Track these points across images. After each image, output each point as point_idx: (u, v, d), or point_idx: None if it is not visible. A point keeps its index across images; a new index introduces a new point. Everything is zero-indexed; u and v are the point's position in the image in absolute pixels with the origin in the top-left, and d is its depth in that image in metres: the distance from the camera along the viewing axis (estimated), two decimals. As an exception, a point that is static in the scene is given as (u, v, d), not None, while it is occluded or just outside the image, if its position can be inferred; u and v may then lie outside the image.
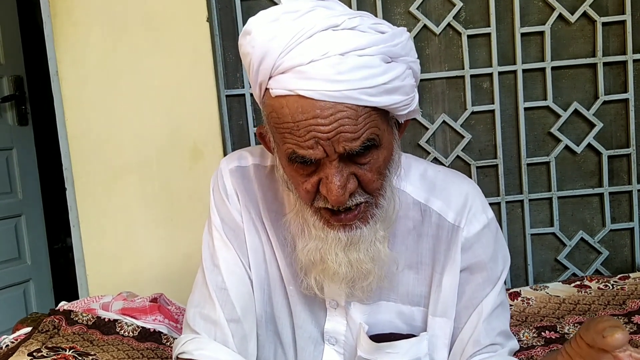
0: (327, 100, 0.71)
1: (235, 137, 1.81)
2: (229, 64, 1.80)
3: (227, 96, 1.80)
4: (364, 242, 0.81)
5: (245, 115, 1.81)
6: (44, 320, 1.33)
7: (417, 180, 0.94)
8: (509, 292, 1.66)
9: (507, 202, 1.86)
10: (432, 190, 0.92)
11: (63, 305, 1.47)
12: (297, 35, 0.72)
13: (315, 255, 0.83)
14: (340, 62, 0.72)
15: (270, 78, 0.76)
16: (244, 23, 0.80)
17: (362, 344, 0.89)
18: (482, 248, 0.90)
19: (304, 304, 0.94)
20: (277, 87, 0.75)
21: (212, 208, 0.96)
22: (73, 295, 1.80)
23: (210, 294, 0.90)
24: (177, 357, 0.90)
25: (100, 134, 1.73)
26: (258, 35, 0.75)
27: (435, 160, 1.84)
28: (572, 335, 0.64)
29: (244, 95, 1.80)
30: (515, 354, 0.96)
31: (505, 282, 0.95)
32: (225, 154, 1.76)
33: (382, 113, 0.77)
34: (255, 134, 1.80)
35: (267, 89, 0.77)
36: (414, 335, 0.89)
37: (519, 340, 1.42)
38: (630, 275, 1.68)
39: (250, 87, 1.76)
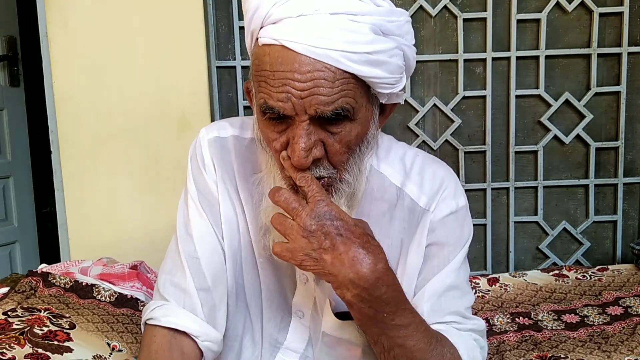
0: (308, 55, 0.72)
1: (224, 108, 1.80)
2: (221, 34, 1.78)
3: (217, 67, 1.78)
4: None
5: (235, 88, 1.80)
6: (21, 281, 1.34)
7: (395, 163, 0.94)
8: (488, 277, 1.67)
9: (493, 189, 1.86)
10: (408, 175, 0.92)
11: (42, 267, 1.47)
12: None
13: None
14: (328, 21, 0.72)
15: (261, 28, 0.76)
16: (238, -6, 0.81)
17: (326, 320, 0.90)
18: (444, 232, 0.90)
19: (274, 275, 0.94)
20: (265, 36, 0.75)
21: (189, 177, 0.96)
22: (58, 260, 1.80)
23: (181, 262, 0.91)
24: (145, 323, 0.90)
25: (87, 98, 1.72)
26: None
27: (424, 144, 1.84)
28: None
29: (235, 67, 1.78)
30: (487, 337, 0.97)
31: (465, 267, 0.94)
32: (213, 126, 1.75)
33: (362, 86, 0.76)
34: (244, 102, 1.80)
35: (257, 39, 0.77)
36: None
37: (492, 325, 1.44)
38: (609, 267, 1.70)
39: (242, 58, 1.76)
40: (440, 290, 0.89)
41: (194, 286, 0.90)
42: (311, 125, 0.75)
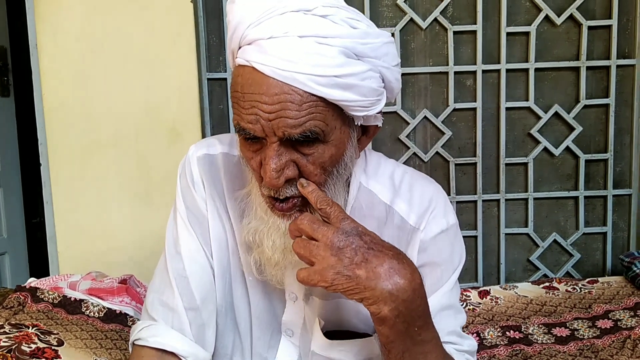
0: (276, 78, 0.72)
1: (215, 120, 1.80)
2: (212, 46, 1.78)
3: (208, 79, 1.78)
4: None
5: (226, 100, 1.80)
6: (10, 297, 1.32)
7: (384, 181, 0.93)
8: (478, 290, 1.67)
9: (483, 201, 1.87)
10: (397, 192, 0.92)
11: (31, 282, 1.46)
12: (269, 10, 0.73)
13: (255, 236, 0.84)
14: (296, 44, 0.72)
15: (239, 48, 0.77)
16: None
17: (316, 339, 0.89)
18: (436, 251, 0.90)
19: (263, 293, 0.94)
20: (240, 56, 0.76)
21: (178, 195, 0.95)
22: (48, 271, 1.79)
23: (170, 281, 0.90)
24: (133, 343, 0.89)
25: (77, 109, 1.71)
26: (238, 5, 0.77)
27: (415, 156, 1.84)
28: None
29: (225, 79, 1.78)
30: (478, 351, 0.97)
31: (458, 282, 0.95)
32: (203, 136, 1.75)
33: (334, 109, 0.76)
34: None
35: (236, 59, 0.79)
36: (368, 335, 0.89)
37: (483, 339, 1.44)
38: (599, 279, 1.70)
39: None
40: (435, 310, 0.89)
41: (183, 305, 0.89)
42: (282, 147, 0.75)
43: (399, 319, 0.72)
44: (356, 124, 0.81)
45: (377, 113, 0.82)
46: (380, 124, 0.86)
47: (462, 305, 1.38)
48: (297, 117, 0.72)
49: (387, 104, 1.83)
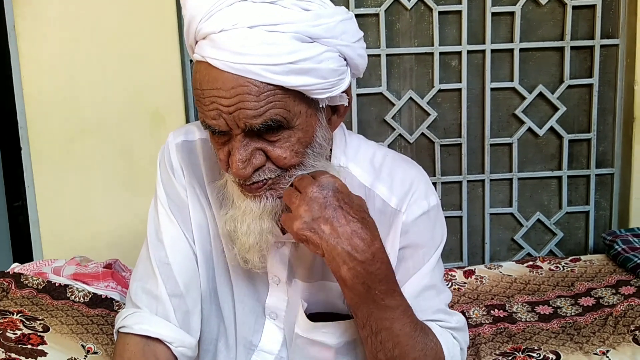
0: (230, 71, 0.71)
1: (199, 103, 1.78)
2: (195, 28, 1.75)
3: (191, 61, 1.76)
4: (273, 213, 0.82)
5: (210, 82, 1.78)
6: (-7, 283, 1.31)
7: (364, 164, 0.93)
8: (464, 270, 1.69)
9: (468, 181, 1.88)
10: (378, 175, 0.92)
11: (14, 267, 1.45)
12: (218, 2, 0.72)
13: (230, 224, 0.84)
14: (246, 35, 0.71)
15: (196, 43, 0.77)
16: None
17: (299, 322, 0.90)
18: (418, 233, 0.90)
19: (246, 278, 0.94)
20: (197, 52, 0.76)
21: (158, 183, 0.95)
22: (31, 256, 1.78)
23: (153, 269, 0.90)
24: (118, 331, 0.89)
25: (58, 93, 1.68)
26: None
27: (400, 137, 1.84)
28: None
29: (209, 61, 1.76)
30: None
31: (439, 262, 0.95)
32: (187, 120, 1.73)
33: (295, 94, 0.75)
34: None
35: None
36: (352, 317, 0.90)
37: (468, 318, 1.46)
38: (582, 257, 1.73)
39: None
40: (417, 291, 0.90)
41: (166, 292, 0.89)
42: (247, 137, 0.75)
43: (358, 280, 0.75)
44: (321, 105, 0.80)
45: (342, 92, 0.80)
46: (346, 104, 0.85)
47: (447, 285, 1.40)
48: (257, 108, 0.72)
49: (371, 86, 1.82)
